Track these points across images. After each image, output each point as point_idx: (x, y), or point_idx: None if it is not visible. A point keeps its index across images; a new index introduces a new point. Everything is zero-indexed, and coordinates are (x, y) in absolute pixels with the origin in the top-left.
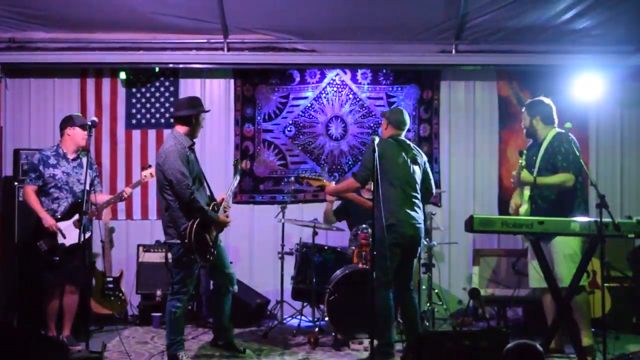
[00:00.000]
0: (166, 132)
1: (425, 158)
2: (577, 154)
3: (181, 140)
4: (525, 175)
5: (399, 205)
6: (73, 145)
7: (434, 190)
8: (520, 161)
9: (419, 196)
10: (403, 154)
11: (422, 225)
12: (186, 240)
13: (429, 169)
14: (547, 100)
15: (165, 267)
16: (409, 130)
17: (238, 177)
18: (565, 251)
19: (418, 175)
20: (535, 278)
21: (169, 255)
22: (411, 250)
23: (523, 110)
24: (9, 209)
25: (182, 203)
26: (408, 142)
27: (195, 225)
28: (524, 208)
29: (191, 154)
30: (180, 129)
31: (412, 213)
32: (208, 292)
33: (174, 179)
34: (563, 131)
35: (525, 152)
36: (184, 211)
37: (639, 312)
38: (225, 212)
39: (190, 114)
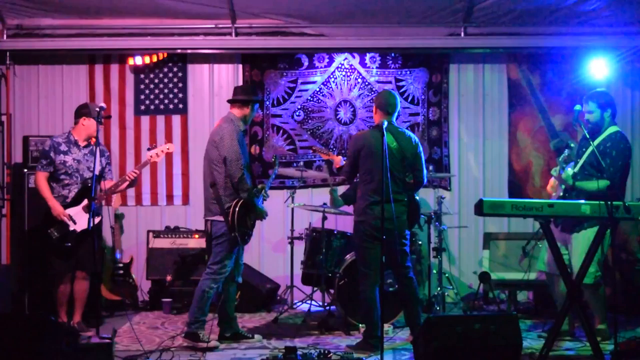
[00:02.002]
0: (174, 117)
1: (419, 148)
2: (628, 159)
3: (237, 123)
4: (565, 176)
5: (373, 197)
6: (85, 134)
7: (424, 180)
8: (566, 154)
9: (399, 186)
10: (385, 142)
11: (399, 216)
12: (229, 218)
13: (420, 159)
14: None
15: (207, 245)
16: (417, 114)
17: (277, 171)
18: (585, 248)
19: (402, 164)
20: (545, 262)
21: (210, 232)
22: (390, 242)
23: (590, 103)
24: (18, 196)
25: (232, 182)
26: (398, 128)
27: (239, 205)
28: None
29: (243, 138)
30: (237, 113)
31: (387, 205)
32: None
33: (229, 157)
34: (620, 130)
35: (573, 145)
36: (231, 190)
37: None
38: (264, 199)
39: (247, 99)
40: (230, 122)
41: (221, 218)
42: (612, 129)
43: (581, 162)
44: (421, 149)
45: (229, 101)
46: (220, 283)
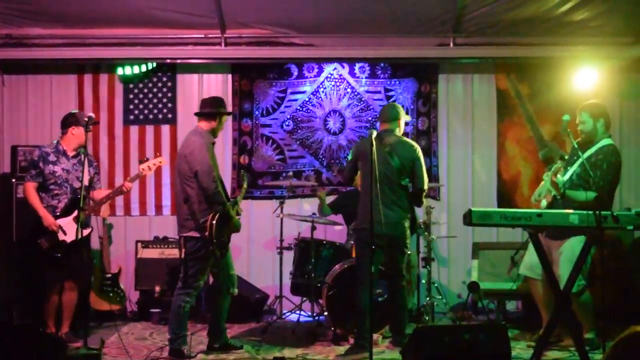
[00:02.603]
0: (163, 127)
1: (416, 154)
2: (617, 175)
3: (205, 136)
4: (559, 181)
5: (372, 203)
6: (75, 144)
7: (422, 186)
8: (558, 165)
9: (398, 193)
10: (384, 149)
11: (400, 222)
12: (206, 233)
13: (418, 167)
14: (603, 104)
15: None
16: (406, 124)
17: (246, 185)
18: (572, 257)
19: (399, 172)
20: (526, 265)
21: (184, 249)
22: (390, 248)
23: (582, 113)
24: (6, 206)
25: (206, 195)
26: (397, 137)
27: (216, 219)
28: (544, 203)
29: (212, 150)
30: (204, 126)
31: (387, 212)
32: (208, 289)
33: (200, 170)
34: (613, 143)
35: (566, 157)
36: (206, 204)
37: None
38: (238, 214)
39: (215, 112)
40: (199, 135)
41: (196, 234)
42: (605, 142)
43: (571, 171)
44: (420, 155)
45: (196, 114)
46: (194, 297)
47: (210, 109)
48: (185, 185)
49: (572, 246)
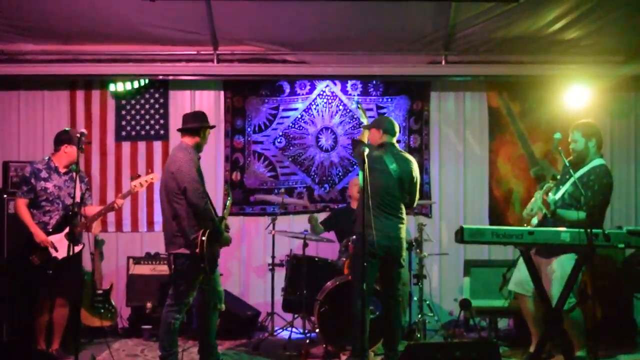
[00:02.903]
0: (156, 144)
1: (413, 166)
2: (608, 196)
3: (191, 152)
4: (551, 200)
5: (372, 215)
6: (66, 161)
7: (412, 204)
8: (549, 184)
9: (397, 205)
10: (384, 162)
11: (398, 235)
12: (197, 250)
13: (415, 179)
14: (595, 123)
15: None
16: (398, 142)
17: (230, 200)
18: (563, 274)
19: (399, 184)
20: (515, 282)
21: (173, 266)
22: (388, 261)
23: (575, 132)
24: None
25: (195, 212)
26: (397, 149)
27: (206, 235)
28: (535, 221)
29: (199, 165)
30: (189, 141)
31: (387, 222)
32: (198, 305)
33: (189, 187)
34: (605, 164)
35: (559, 177)
36: (195, 220)
37: (631, 323)
38: (227, 229)
39: (198, 127)
40: (185, 151)
41: (186, 251)
42: (597, 162)
43: (563, 190)
44: (417, 174)
45: (179, 130)
46: (183, 313)
47: (192, 123)
48: (173, 202)
49: (563, 264)
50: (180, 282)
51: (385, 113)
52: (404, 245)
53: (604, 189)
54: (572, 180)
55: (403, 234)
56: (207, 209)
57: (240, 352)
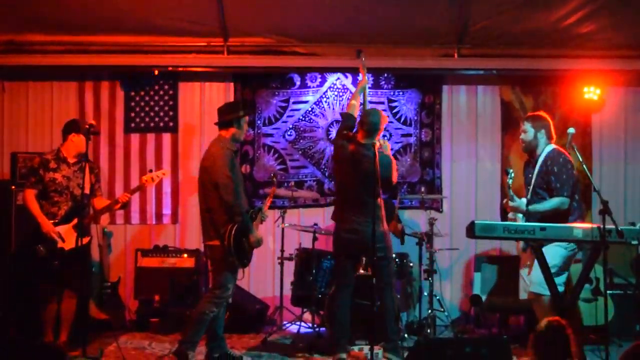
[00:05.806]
0: (165, 136)
1: (389, 159)
2: (570, 171)
3: (227, 145)
4: (517, 204)
5: (340, 210)
6: (75, 151)
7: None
8: (507, 181)
9: (367, 199)
10: (351, 157)
11: (364, 228)
12: (225, 242)
13: (388, 164)
14: (547, 116)
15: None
16: (409, 135)
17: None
18: (544, 262)
19: (370, 178)
20: (536, 281)
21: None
22: (360, 253)
23: (525, 123)
24: (5, 213)
25: (226, 207)
26: (367, 142)
27: (234, 229)
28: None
29: (235, 158)
30: (225, 134)
31: (353, 217)
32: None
33: (220, 183)
34: (556, 147)
35: (511, 171)
36: (226, 215)
37: None
38: (261, 220)
39: (232, 118)
40: (220, 145)
41: (217, 242)
42: (548, 148)
43: (531, 187)
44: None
45: (216, 124)
46: (221, 307)
47: (225, 116)
48: (207, 196)
49: (553, 252)
50: (218, 273)
51: (396, 107)
52: (385, 238)
53: (564, 167)
54: (537, 168)
55: (381, 228)
56: (237, 205)
57: (248, 346)
